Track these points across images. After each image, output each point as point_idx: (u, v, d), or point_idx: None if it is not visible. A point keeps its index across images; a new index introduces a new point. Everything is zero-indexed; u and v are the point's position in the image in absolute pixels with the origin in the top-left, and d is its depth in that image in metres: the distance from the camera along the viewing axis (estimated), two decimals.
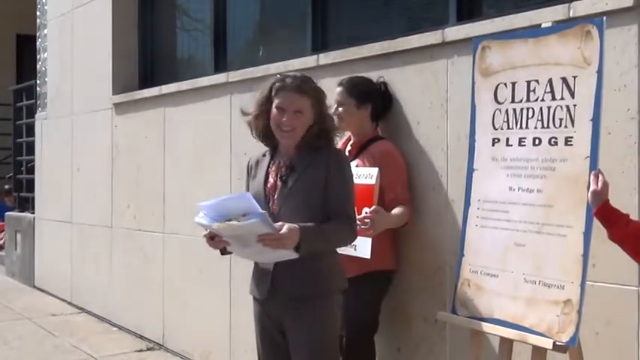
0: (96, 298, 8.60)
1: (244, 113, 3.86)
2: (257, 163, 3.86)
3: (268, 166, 3.78)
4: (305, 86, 3.63)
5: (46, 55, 10.19)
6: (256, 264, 3.76)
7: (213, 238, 3.55)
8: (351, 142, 4.54)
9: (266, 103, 3.69)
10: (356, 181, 4.10)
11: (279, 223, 3.43)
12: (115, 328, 8.02)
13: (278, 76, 3.72)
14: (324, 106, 3.70)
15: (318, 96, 3.67)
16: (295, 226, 3.44)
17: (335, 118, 4.35)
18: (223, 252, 3.68)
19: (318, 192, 3.58)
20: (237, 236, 3.47)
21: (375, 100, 4.51)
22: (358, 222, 4.05)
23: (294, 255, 3.47)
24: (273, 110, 3.63)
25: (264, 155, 3.85)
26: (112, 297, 8.19)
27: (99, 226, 8.47)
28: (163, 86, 7.22)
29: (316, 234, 3.51)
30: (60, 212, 9.54)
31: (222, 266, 6.08)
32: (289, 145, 3.69)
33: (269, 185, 3.73)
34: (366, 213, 4.08)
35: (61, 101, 9.55)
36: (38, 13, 10.48)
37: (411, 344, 4.48)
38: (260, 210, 3.40)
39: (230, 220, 3.37)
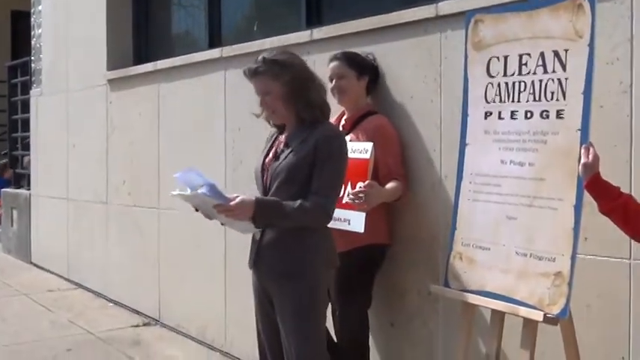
0: (92, 274, 8.62)
1: (257, 116, 3.92)
2: (272, 135, 3.93)
3: (275, 139, 3.84)
4: (259, 67, 3.68)
5: (40, 31, 10.16)
6: (253, 235, 3.79)
7: (197, 210, 3.65)
8: (345, 116, 4.54)
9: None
10: (350, 155, 4.11)
11: (234, 195, 3.53)
12: (111, 304, 8.05)
13: None
14: (302, 76, 3.71)
15: (281, 67, 3.67)
16: (250, 198, 3.52)
17: (333, 92, 4.36)
18: (222, 222, 3.75)
19: (302, 171, 3.60)
20: (199, 206, 3.59)
21: (372, 74, 4.53)
22: (352, 196, 4.06)
23: (253, 227, 3.57)
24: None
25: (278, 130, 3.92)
26: (108, 272, 8.21)
27: (94, 202, 8.48)
28: (158, 62, 7.20)
29: (273, 209, 3.55)
30: (56, 189, 9.54)
31: (218, 241, 6.10)
32: (284, 120, 3.76)
33: (267, 159, 3.79)
34: (360, 187, 4.09)
35: (56, 78, 9.53)
36: None
37: (404, 318, 4.50)
38: (209, 181, 3.50)
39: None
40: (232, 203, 3.49)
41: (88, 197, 8.67)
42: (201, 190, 3.44)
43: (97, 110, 8.35)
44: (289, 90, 3.65)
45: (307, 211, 3.57)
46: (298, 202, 3.55)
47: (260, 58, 3.71)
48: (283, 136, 3.78)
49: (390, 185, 4.25)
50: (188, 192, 3.50)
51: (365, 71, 4.49)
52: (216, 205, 3.48)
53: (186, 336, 6.69)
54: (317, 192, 3.59)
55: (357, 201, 4.06)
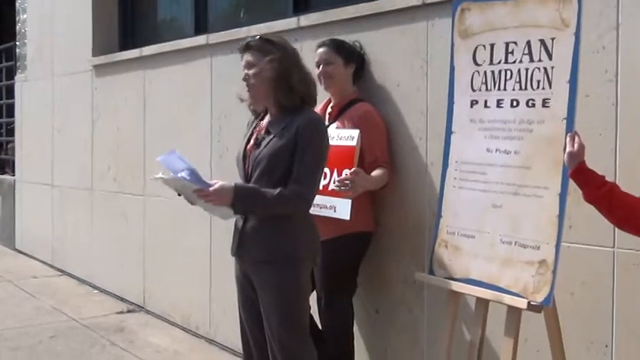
0: (77, 261, 8.60)
1: (242, 100, 3.90)
2: (253, 121, 3.92)
3: (256, 126, 3.83)
4: (249, 44, 3.71)
5: (25, 16, 10.10)
6: (235, 221, 3.79)
7: (180, 194, 3.64)
8: (331, 104, 4.54)
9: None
10: (337, 142, 4.12)
11: (214, 181, 3.55)
12: (95, 291, 8.04)
13: None
14: (290, 60, 3.70)
15: (272, 44, 3.69)
16: (230, 184, 3.54)
17: (320, 78, 4.36)
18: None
19: (283, 158, 3.60)
20: (180, 191, 3.58)
21: (358, 61, 4.53)
22: (338, 183, 4.06)
23: (231, 213, 3.58)
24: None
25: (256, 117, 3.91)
26: (92, 259, 8.20)
27: (79, 189, 8.46)
28: (143, 48, 7.18)
29: (252, 196, 3.56)
30: (40, 175, 9.51)
31: (203, 228, 6.09)
32: (265, 102, 3.76)
33: (249, 146, 3.78)
34: (346, 174, 4.09)
35: (41, 63, 9.49)
36: None
37: (389, 305, 4.51)
38: (190, 166, 3.50)
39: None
40: (211, 189, 3.49)
41: (73, 183, 8.65)
42: (181, 174, 3.44)
43: (82, 96, 8.32)
44: (275, 70, 3.65)
45: (286, 198, 3.56)
46: (278, 189, 3.55)
47: (254, 35, 3.76)
48: (264, 122, 3.77)
49: (375, 173, 4.25)
50: (169, 175, 3.50)
51: (352, 58, 4.49)
52: (195, 190, 3.49)
53: (171, 323, 6.69)
54: (297, 179, 3.58)
55: (342, 188, 4.07)
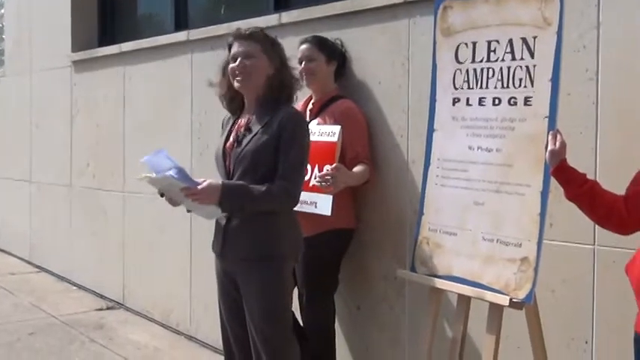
0: (55, 257, 8.56)
1: (211, 84, 3.87)
2: (229, 120, 3.90)
3: (233, 124, 3.81)
4: (253, 33, 3.70)
5: (3, 11, 10.03)
6: (217, 220, 3.78)
7: (163, 195, 3.60)
8: (312, 100, 4.54)
9: (226, 66, 3.77)
10: (318, 138, 4.12)
11: (202, 179, 3.51)
12: (74, 287, 8.01)
13: None
14: (282, 57, 3.73)
15: (272, 44, 3.72)
16: (217, 182, 3.52)
17: (302, 75, 4.35)
18: (187, 209, 3.72)
19: (267, 155, 3.59)
20: (166, 190, 3.54)
21: (340, 59, 4.54)
22: (319, 179, 4.07)
23: (219, 212, 3.55)
24: (230, 65, 3.70)
25: (235, 114, 3.88)
26: (71, 256, 8.16)
27: (58, 185, 8.41)
28: (123, 44, 7.15)
29: (240, 193, 3.53)
30: (18, 171, 9.45)
31: (183, 225, 6.08)
32: (250, 97, 3.72)
33: (228, 144, 3.76)
34: (328, 170, 4.09)
35: (19, 58, 9.42)
36: None
37: (370, 302, 4.52)
38: (178, 164, 3.47)
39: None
40: (199, 187, 3.46)
41: (51, 180, 8.60)
42: (169, 173, 3.41)
43: (61, 92, 8.28)
44: (272, 68, 3.66)
45: (273, 195, 3.56)
46: (265, 186, 3.54)
47: (254, 27, 3.76)
48: (242, 120, 3.75)
49: (357, 169, 4.26)
50: (155, 175, 3.46)
51: (334, 56, 4.50)
52: (183, 189, 3.45)
53: (151, 320, 6.68)
54: (283, 176, 3.58)
55: (324, 184, 4.07)
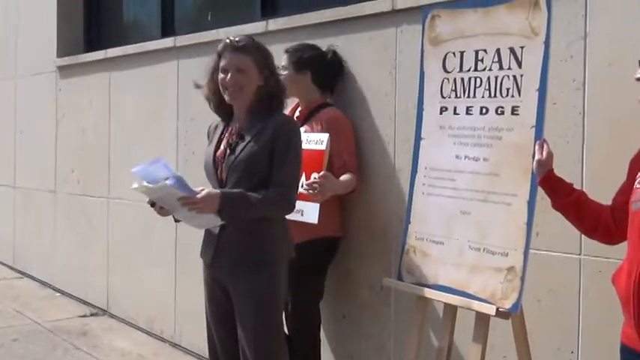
0: (39, 263, 8.51)
1: (197, 86, 3.84)
2: (215, 128, 3.87)
3: (222, 132, 3.78)
4: (246, 45, 3.65)
5: None
6: (209, 228, 3.75)
7: (153, 205, 3.56)
8: (299, 108, 4.53)
9: (214, 71, 3.72)
10: (306, 146, 4.11)
11: (200, 188, 3.46)
12: (58, 294, 7.96)
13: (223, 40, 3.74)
14: (271, 67, 3.70)
15: (263, 55, 3.68)
16: (216, 191, 3.48)
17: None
18: (176, 219, 3.68)
19: (262, 162, 3.57)
20: (162, 200, 3.48)
21: (315, 67, 4.48)
22: (307, 187, 4.06)
23: (218, 220, 3.50)
24: (220, 74, 3.65)
25: (223, 121, 3.85)
26: (55, 262, 8.12)
27: (42, 191, 8.37)
28: (109, 50, 7.12)
29: (239, 201, 3.50)
30: (2, 176, 9.39)
31: (168, 232, 6.06)
32: (240, 107, 3.69)
33: (219, 152, 3.72)
34: (315, 178, 4.08)
35: (4, 63, 9.37)
36: None
37: (356, 310, 4.51)
38: (176, 174, 3.42)
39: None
40: (198, 196, 3.41)
41: (35, 185, 8.56)
42: (168, 182, 3.35)
43: (46, 97, 8.24)
44: (262, 80, 3.64)
45: (272, 201, 3.55)
46: (262, 192, 3.53)
47: (245, 37, 3.71)
48: (232, 128, 3.73)
49: (343, 177, 4.25)
50: (152, 184, 3.38)
51: (305, 66, 4.44)
52: (181, 198, 3.39)
53: (135, 327, 6.65)
54: (279, 182, 3.57)
55: (311, 191, 4.06)
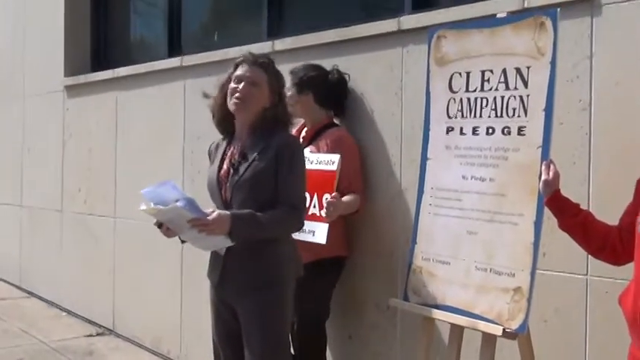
0: (45, 283, 8.51)
1: (206, 95, 3.84)
2: (217, 147, 3.85)
3: (224, 152, 3.76)
4: (266, 64, 3.67)
5: None
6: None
7: (161, 226, 3.54)
8: (305, 128, 4.54)
9: (226, 83, 3.70)
10: (317, 167, 4.12)
11: (210, 209, 3.44)
12: (64, 313, 7.95)
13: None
14: (282, 94, 3.71)
15: (277, 79, 3.69)
16: (227, 212, 3.45)
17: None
18: (182, 240, 3.67)
19: (266, 182, 3.56)
20: (172, 222, 3.45)
21: (317, 88, 4.47)
22: (325, 208, 4.06)
23: (228, 242, 3.47)
24: (232, 84, 3.65)
25: (224, 139, 3.83)
26: (61, 281, 8.11)
27: (49, 210, 8.38)
28: (116, 69, 7.15)
29: (249, 222, 3.48)
30: (9, 195, 9.41)
31: (174, 252, 6.05)
32: (243, 124, 3.68)
33: (222, 172, 3.71)
34: (328, 199, 4.09)
35: (12, 82, 9.41)
36: None
37: (362, 331, 4.50)
38: (186, 195, 3.40)
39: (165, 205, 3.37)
40: (210, 218, 3.39)
41: (42, 204, 8.57)
42: (179, 204, 3.32)
43: (54, 117, 8.26)
44: (269, 101, 3.64)
45: (281, 220, 3.55)
46: (271, 212, 3.52)
47: (266, 56, 3.75)
48: (234, 147, 3.72)
49: (347, 198, 4.24)
50: (162, 206, 3.35)
51: (306, 87, 4.45)
52: (191, 220, 3.37)
53: (141, 346, 6.63)
54: (287, 201, 3.56)
55: (325, 212, 4.07)
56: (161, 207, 3.35)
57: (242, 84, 3.61)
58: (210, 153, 3.90)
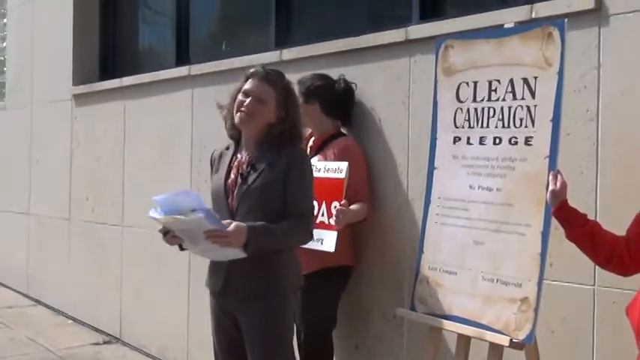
0: (52, 291, 8.52)
1: (220, 107, 3.84)
2: (220, 156, 3.84)
3: (231, 161, 3.75)
4: (275, 78, 3.66)
5: (5, 44, 10.06)
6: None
7: (167, 234, 3.53)
8: (313, 138, 4.54)
9: (237, 92, 3.69)
10: (325, 174, 4.13)
11: (227, 221, 3.43)
12: (70, 321, 7.95)
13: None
14: (290, 110, 3.67)
15: (286, 96, 3.67)
16: (243, 224, 3.43)
17: None
18: (182, 247, 3.66)
19: (275, 192, 3.57)
20: (185, 231, 3.44)
21: (323, 98, 4.48)
22: (335, 216, 4.07)
23: (242, 254, 3.45)
24: (239, 96, 3.64)
25: (227, 149, 3.83)
26: (68, 289, 8.12)
27: (57, 218, 8.39)
28: (124, 78, 7.17)
29: (264, 234, 3.48)
30: (17, 203, 9.43)
31: (181, 260, 6.06)
32: (249, 137, 3.68)
33: (229, 181, 3.70)
34: (337, 207, 4.09)
35: (20, 91, 9.44)
36: None
37: (369, 340, 4.49)
38: (206, 206, 3.37)
39: (180, 214, 3.34)
40: (229, 229, 3.38)
41: (50, 213, 8.58)
42: (200, 214, 3.29)
43: (62, 125, 8.28)
44: (275, 116, 3.63)
45: (293, 232, 3.57)
46: (283, 224, 3.53)
47: (279, 72, 3.72)
48: (242, 157, 3.71)
49: (354, 207, 4.24)
50: (189, 217, 3.31)
51: (312, 97, 4.45)
52: (209, 231, 3.35)
53: (148, 355, 6.63)
54: (298, 212, 3.58)
55: (334, 220, 4.08)
56: (182, 217, 3.32)
57: (249, 99, 3.62)
58: (212, 161, 3.90)
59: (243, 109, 3.61)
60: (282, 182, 3.57)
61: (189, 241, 3.49)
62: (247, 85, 3.66)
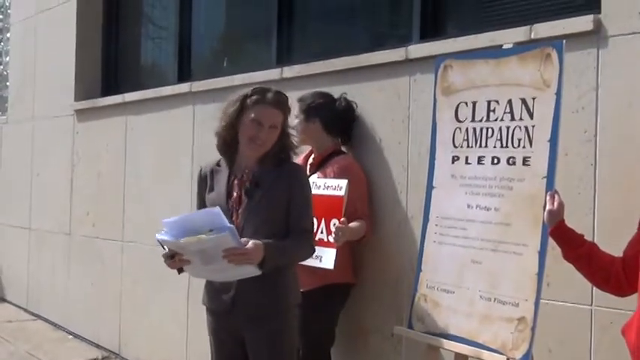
0: (52, 306, 8.52)
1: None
2: (212, 173, 3.80)
3: (229, 179, 3.74)
4: (283, 102, 3.66)
5: (7, 59, 10.11)
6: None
7: (173, 257, 3.51)
8: (312, 155, 4.56)
9: (238, 116, 3.63)
10: (324, 192, 4.14)
11: (244, 239, 3.40)
12: (70, 336, 7.95)
13: (252, 88, 3.68)
14: (286, 126, 3.72)
15: (287, 115, 3.71)
16: (259, 242, 3.42)
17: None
18: (180, 270, 3.65)
19: (281, 208, 3.60)
20: (202, 252, 3.39)
21: (324, 115, 4.49)
22: (334, 234, 4.08)
23: (257, 272, 3.43)
24: (247, 123, 3.59)
25: (218, 165, 3.80)
26: (68, 304, 8.12)
27: (57, 233, 8.40)
28: (126, 94, 7.19)
29: (279, 250, 3.49)
30: (18, 218, 9.44)
31: (181, 276, 6.02)
32: (251, 157, 3.68)
33: (233, 199, 3.69)
34: (336, 224, 4.10)
35: (22, 106, 9.46)
36: (1, 17, 10.39)
37: (367, 358, 4.49)
38: (228, 224, 3.36)
39: (197, 234, 3.31)
40: (247, 247, 3.37)
41: (50, 228, 8.59)
42: (224, 233, 3.27)
43: (63, 140, 8.30)
44: (278, 138, 3.65)
45: (300, 248, 3.62)
46: (290, 240, 3.57)
47: (277, 90, 3.68)
48: (242, 174, 3.69)
49: (354, 224, 4.25)
50: (218, 234, 3.29)
51: (314, 114, 4.47)
52: (228, 249, 3.33)
53: None
54: (302, 228, 3.62)
55: (334, 237, 4.09)
56: (204, 236, 3.29)
57: (265, 129, 3.58)
58: (203, 178, 3.84)
59: (259, 141, 3.60)
60: (287, 198, 3.60)
61: (203, 261, 3.43)
62: (257, 113, 3.59)
